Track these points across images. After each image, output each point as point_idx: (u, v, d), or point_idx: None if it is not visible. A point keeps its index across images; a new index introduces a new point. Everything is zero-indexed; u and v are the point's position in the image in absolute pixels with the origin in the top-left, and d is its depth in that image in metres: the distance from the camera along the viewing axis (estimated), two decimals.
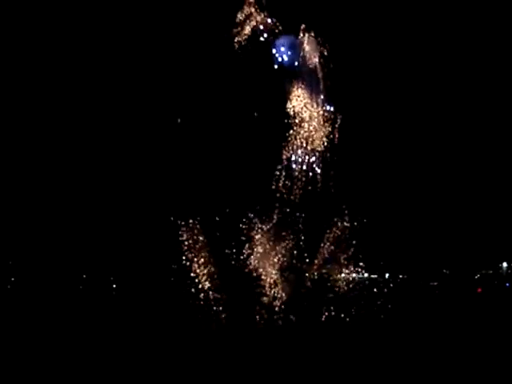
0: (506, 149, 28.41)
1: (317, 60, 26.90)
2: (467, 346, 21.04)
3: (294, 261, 26.87)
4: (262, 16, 26.91)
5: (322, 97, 26.88)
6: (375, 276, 29.29)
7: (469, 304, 27.97)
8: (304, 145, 27.16)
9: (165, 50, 26.24)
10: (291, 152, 26.99)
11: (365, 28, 26.54)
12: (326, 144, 27.02)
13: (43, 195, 26.94)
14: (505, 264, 30.15)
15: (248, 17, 26.79)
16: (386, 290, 28.82)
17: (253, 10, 26.76)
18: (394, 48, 26.98)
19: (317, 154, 27.15)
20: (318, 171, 27.13)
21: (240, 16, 26.75)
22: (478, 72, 27.44)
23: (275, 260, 26.78)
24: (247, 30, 26.71)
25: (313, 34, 26.89)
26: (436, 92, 27.70)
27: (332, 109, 26.78)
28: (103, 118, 26.38)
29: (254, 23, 26.77)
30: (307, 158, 27.15)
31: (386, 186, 27.15)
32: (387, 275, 29.85)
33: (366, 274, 28.74)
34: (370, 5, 26.64)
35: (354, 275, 27.95)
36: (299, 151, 27.06)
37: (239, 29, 26.60)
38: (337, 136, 26.85)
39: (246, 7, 26.86)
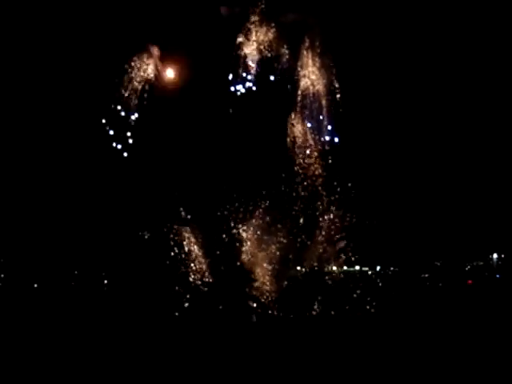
0: (494, 143, 28.55)
1: (320, 79, 26.96)
2: (459, 337, 21.13)
3: (286, 254, 26.96)
4: (264, 34, 26.78)
5: (324, 120, 27.08)
6: (366, 269, 29.39)
7: (460, 296, 28.12)
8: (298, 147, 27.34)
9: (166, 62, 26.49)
10: (286, 152, 27.18)
11: (372, 47, 26.50)
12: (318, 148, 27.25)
13: (35, 192, 26.88)
14: (495, 255, 30.30)
15: (248, 34, 26.66)
16: (377, 282, 28.94)
17: (253, 28, 26.60)
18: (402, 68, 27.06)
19: (310, 153, 27.29)
20: (311, 168, 27.24)
21: (241, 37, 26.67)
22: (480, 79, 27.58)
23: (267, 254, 26.86)
24: (247, 49, 26.59)
25: (317, 50, 26.96)
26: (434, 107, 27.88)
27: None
28: (98, 116, 26.34)
29: (254, 42, 26.65)
30: (301, 156, 27.28)
31: (376, 179, 27.20)
32: (378, 268, 29.96)
33: (357, 267, 28.83)
34: (379, 25, 26.54)
35: (344, 268, 28.04)
36: (294, 150, 27.23)
37: (240, 47, 26.53)
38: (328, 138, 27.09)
39: (247, 25, 26.71)
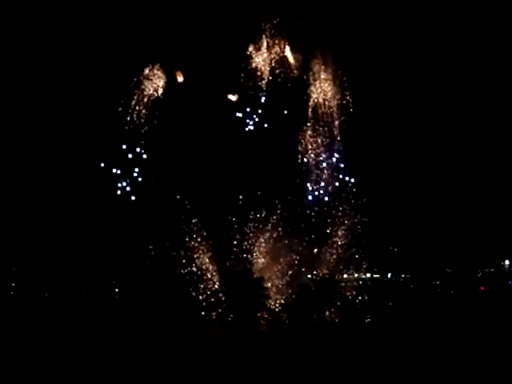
0: (505, 149, 28.53)
1: (331, 93, 26.97)
2: (471, 344, 21.03)
3: (298, 263, 26.98)
4: (276, 49, 26.74)
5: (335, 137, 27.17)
6: (378, 276, 29.35)
7: (472, 302, 28.02)
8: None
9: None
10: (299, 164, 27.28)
11: (387, 58, 26.52)
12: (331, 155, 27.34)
13: (47, 201, 27.02)
14: (507, 262, 30.23)
15: (259, 49, 26.60)
16: (388, 289, 28.90)
17: (264, 43, 26.53)
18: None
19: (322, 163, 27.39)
20: (323, 178, 27.32)
21: (251, 48, 26.57)
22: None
23: (279, 263, 26.88)
24: (258, 63, 26.54)
25: (330, 71, 26.94)
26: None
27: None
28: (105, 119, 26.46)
29: (265, 57, 26.63)
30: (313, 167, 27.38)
31: (388, 188, 27.19)
32: (389, 275, 29.91)
33: (368, 275, 28.78)
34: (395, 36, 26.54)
35: (356, 276, 28.00)
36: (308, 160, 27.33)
37: (250, 63, 26.49)
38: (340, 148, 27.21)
39: (258, 39, 26.60)
